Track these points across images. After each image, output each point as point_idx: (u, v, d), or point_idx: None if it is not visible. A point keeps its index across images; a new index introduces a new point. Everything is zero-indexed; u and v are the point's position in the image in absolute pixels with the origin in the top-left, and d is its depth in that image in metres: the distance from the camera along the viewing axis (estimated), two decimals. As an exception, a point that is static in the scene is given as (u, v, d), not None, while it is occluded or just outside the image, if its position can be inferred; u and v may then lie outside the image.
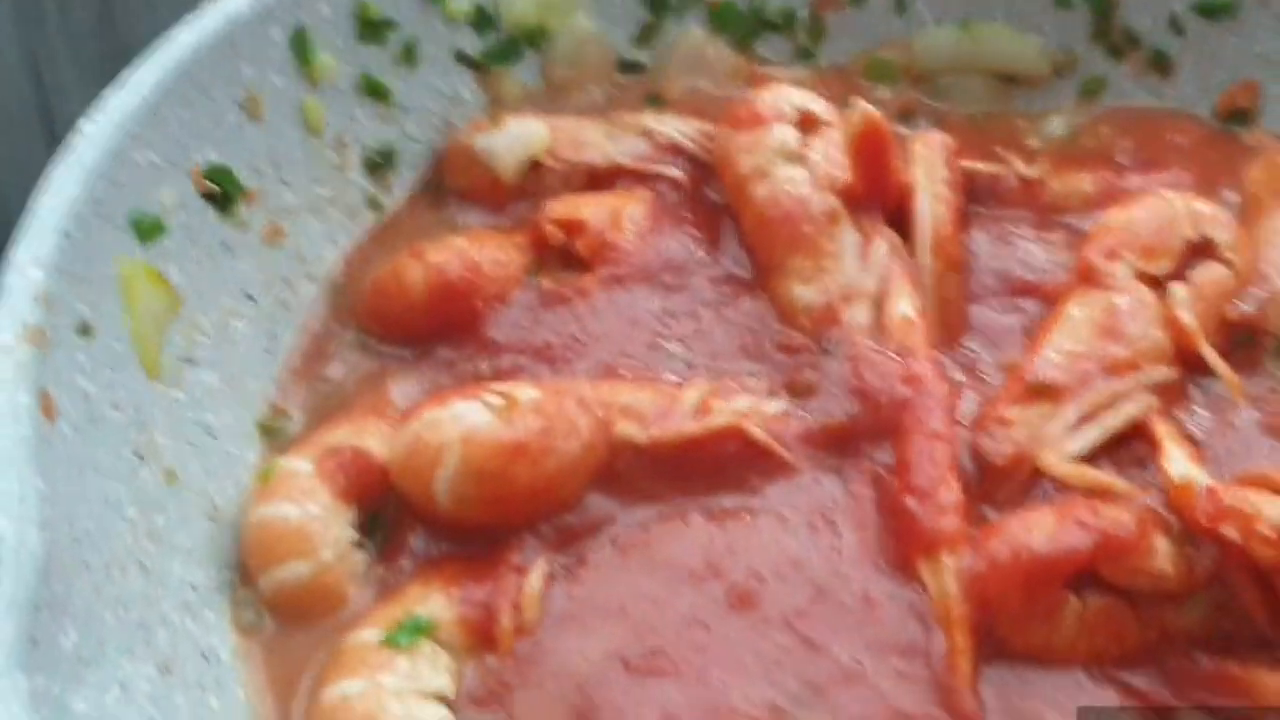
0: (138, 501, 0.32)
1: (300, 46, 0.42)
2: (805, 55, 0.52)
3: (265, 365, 0.40)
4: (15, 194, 0.73)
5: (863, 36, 0.52)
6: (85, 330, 0.32)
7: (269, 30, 0.41)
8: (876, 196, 0.43)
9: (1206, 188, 0.45)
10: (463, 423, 0.35)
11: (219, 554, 0.34)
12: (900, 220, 0.43)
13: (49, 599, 0.25)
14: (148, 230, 0.36)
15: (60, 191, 0.33)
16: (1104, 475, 0.36)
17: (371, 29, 0.44)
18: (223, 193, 0.39)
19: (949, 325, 0.42)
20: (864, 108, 0.42)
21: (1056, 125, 0.51)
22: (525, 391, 0.37)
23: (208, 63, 0.39)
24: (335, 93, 0.43)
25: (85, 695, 0.26)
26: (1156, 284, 0.41)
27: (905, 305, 0.40)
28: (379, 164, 0.45)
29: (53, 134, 0.77)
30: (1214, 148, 0.49)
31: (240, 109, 0.40)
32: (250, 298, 0.40)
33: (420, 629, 0.33)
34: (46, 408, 0.29)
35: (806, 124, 0.45)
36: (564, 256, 0.43)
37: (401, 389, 0.39)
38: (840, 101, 0.51)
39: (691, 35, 0.51)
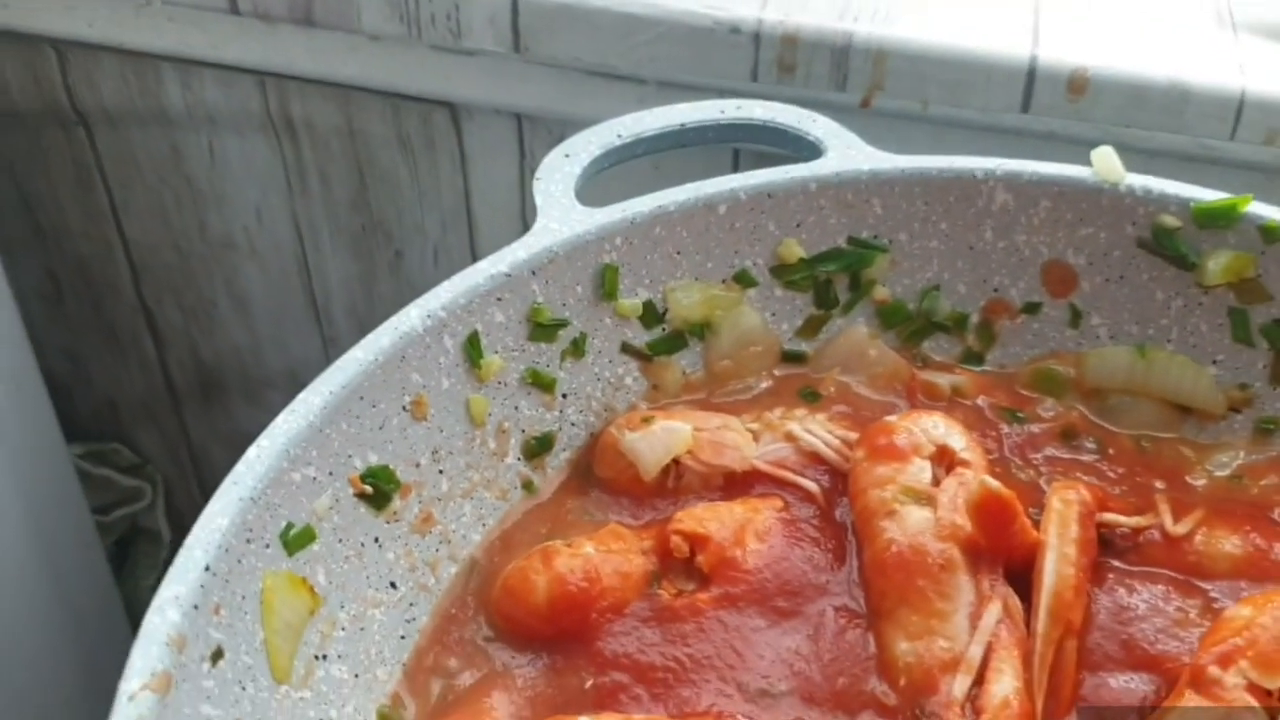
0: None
1: (471, 350, 0.45)
2: (972, 358, 0.53)
3: (397, 652, 0.43)
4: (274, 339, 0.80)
5: (1033, 345, 0.53)
6: (217, 656, 0.36)
7: (442, 340, 0.44)
8: (1000, 553, 0.44)
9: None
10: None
11: None
12: (1025, 573, 0.44)
13: None
14: (296, 542, 0.40)
15: (211, 524, 0.37)
16: None
17: (542, 330, 0.47)
18: (378, 491, 0.43)
19: (1058, 695, 0.42)
20: (985, 482, 0.43)
21: (1224, 461, 0.50)
22: (626, 722, 0.39)
23: (378, 378, 0.42)
24: (501, 388, 0.47)
25: None
26: (1269, 699, 0.40)
27: (1006, 685, 0.41)
28: (536, 449, 0.48)
29: (310, 289, 0.84)
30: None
31: (404, 412, 0.44)
32: (393, 586, 0.43)
33: None
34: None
35: (943, 457, 0.46)
36: (687, 566, 0.45)
37: (509, 697, 0.42)
38: (999, 412, 0.51)
39: (856, 332, 0.52)
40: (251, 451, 0.39)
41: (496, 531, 0.47)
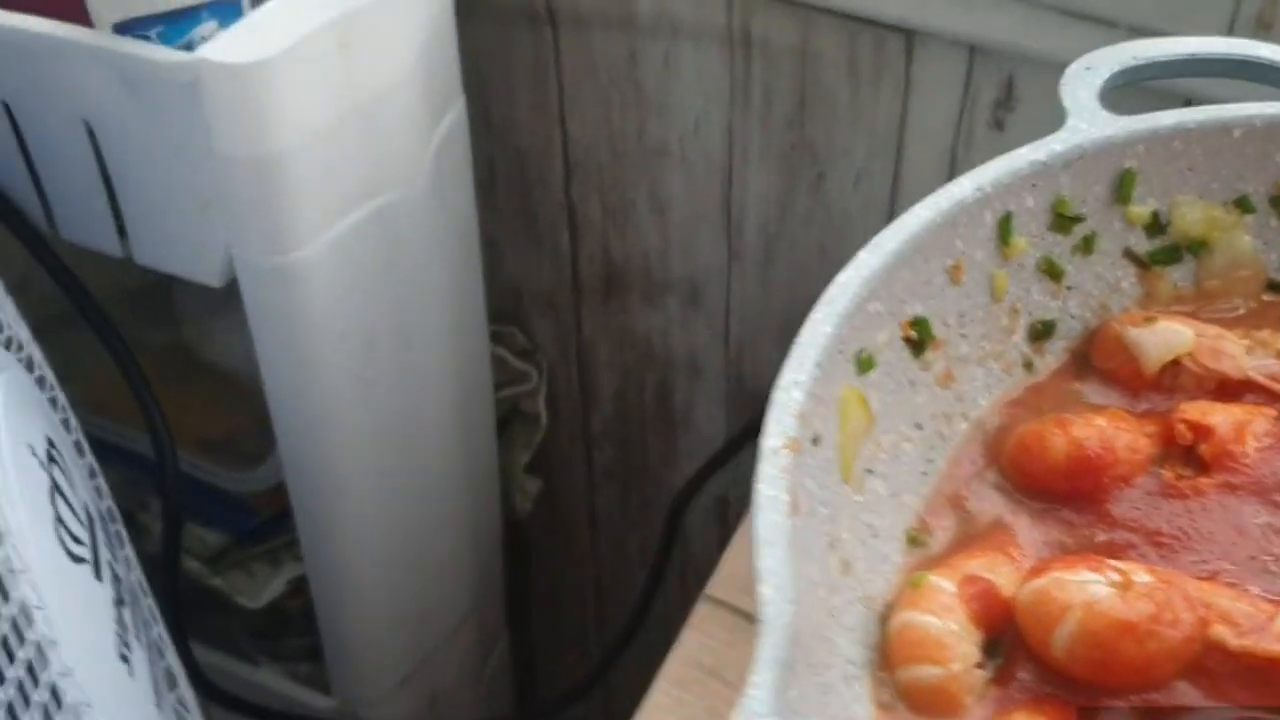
0: (826, 583, 0.41)
1: (1004, 229, 0.50)
2: None
3: (919, 485, 0.48)
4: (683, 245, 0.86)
5: None
6: (816, 441, 0.42)
7: (984, 213, 0.49)
8: None
9: None
10: (1086, 591, 0.42)
11: (868, 637, 0.43)
12: None
13: (789, 660, 0.34)
14: (865, 364, 0.45)
15: (818, 329, 0.43)
16: None
17: (1062, 221, 0.51)
18: (919, 339, 0.48)
19: None
20: None
21: None
22: (1140, 575, 0.43)
23: (933, 235, 0.47)
24: (1019, 269, 0.51)
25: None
26: None
27: None
28: (1040, 333, 0.52)
29: (728, 201, 0.90)
30: None
31: (945, 274, 0.49)
32: (918, 426, 0.48)
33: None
34: (793, 503, 0.39)
35: None
36: (1186, 455, 0.49)
37: (1028, 536, 0.47)
38: None
39: (1345, 270, 0.55)
40: (842, 276, 0.45)
41: (1002, 399, 0.51)
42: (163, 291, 1.02)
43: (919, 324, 0.48)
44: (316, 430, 0.82)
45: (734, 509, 1.13)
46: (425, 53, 0.74)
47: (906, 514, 0.47)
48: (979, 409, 0.51)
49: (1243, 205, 0.54)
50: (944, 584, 0.44)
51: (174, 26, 0.63)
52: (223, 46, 0.63)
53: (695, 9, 0.81)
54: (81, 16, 0.65)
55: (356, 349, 0.79)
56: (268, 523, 0.99)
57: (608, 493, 1.19)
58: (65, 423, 0.66)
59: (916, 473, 0.48)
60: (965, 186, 0.48)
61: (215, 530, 0.98)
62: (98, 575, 0.62)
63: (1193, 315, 0.54)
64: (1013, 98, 0.75)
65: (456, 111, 0.81)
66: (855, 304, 0.44)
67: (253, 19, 0.65)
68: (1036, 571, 0.44)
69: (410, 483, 0.91)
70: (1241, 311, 0.55)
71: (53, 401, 0.65)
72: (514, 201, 0.99)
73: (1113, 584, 0.42)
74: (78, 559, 0.60)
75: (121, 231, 0.75)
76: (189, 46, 0.64)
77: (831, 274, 0.89)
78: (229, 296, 1.09)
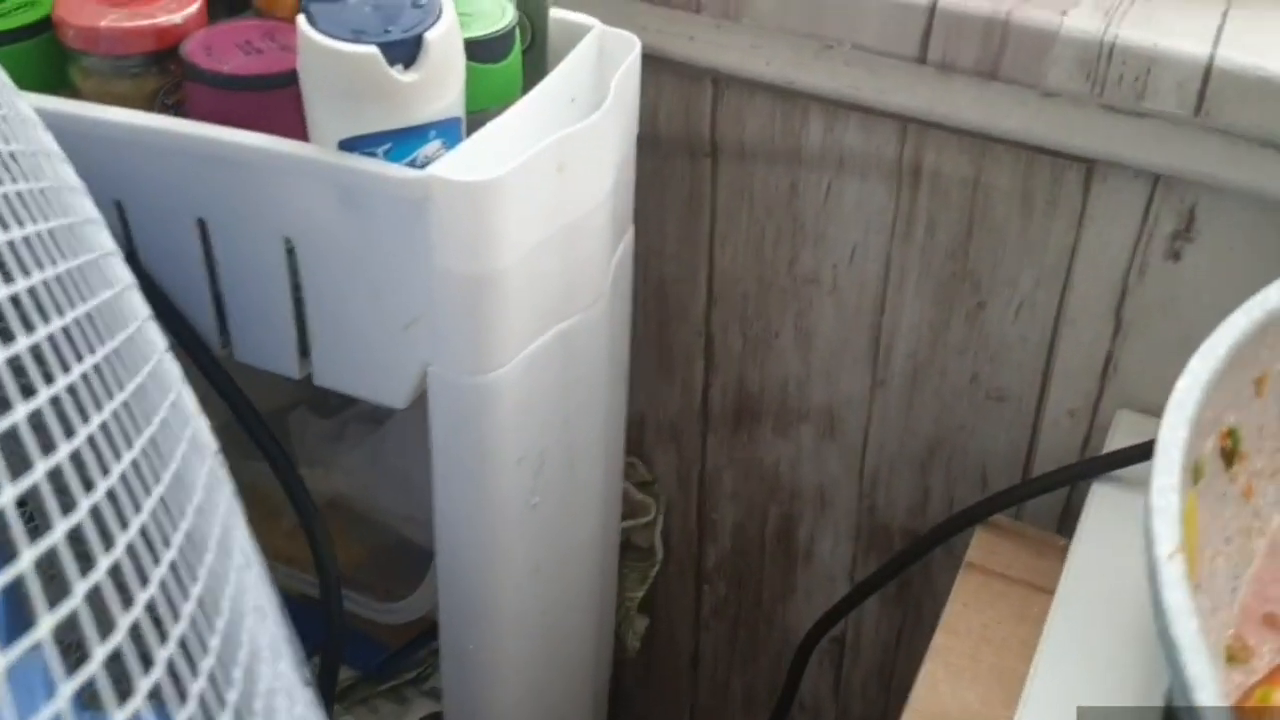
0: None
1: (1301, 342, 0.50)
2: None
3: (1229, 602, 0.47)
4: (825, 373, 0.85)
5: None
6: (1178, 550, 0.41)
7: (1285, 326, 0.49)
8: None
9: None
10: None
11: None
12: None
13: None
14: (1198, 472, 0.45)
15: (1176, 433, 0.42)
16: None
17: (1349, 337, 0.52)
18: (1231, 450, 0.47)
19: None
20: None
21: None
22: None
23: (1248, 346, 0.47)
24: (1310, 383, 0.51)
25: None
26: None
27: None
28: (1323, 448, 0.52)
29: (878, 329, 0.90)
30: None
31: (1252, 385, 0.49)
32: (1227, 541, 0.48)
33: None
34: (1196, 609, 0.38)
35: None
36: None
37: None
38: None
39: None
40: (1182, 383, 0.44)
41: (1290, 514, 0.51)
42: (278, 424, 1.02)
43: (1233, 434, 0.48)
44: (479, 556, 0.80)
45: (849, 653, 1.11)
46: (618, 177, 0.75)
47: (1225, 630, 0.46)
48: (1273, 525, 0.50)
49: None
50: (1294, 699, 0.43)
51: (403, 145, 0.64)
52: (453, 164, 0.63)
53: (866, 139, 0.82)
54: (296, 133, 0.66)
55: (528, 472, 0.78)
56: (394, 657, 0.97)
57: (715, 632, 1.17)
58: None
59: (1228, 589, 0.47)
60: (1275, 296, 0.49)
61: (344, 666, 0.95)
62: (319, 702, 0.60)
63: None
64: (1193, 228, 0.76)
65: (628, 238, 0.82)
66: (1198, 410, 0.44)
67: (479, 139, 0.65)
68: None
69: (551, 616, 0.89)
70: None
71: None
72: (651, 330, 0.99)
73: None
74: (307, 682, 0.58)
75: (303, 352, 0.75)
76: (414, 164, 0.64)
77: (983, 403, 0.89)
78: (344, 429, 1.09)
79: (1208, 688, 0.35)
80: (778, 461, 1.02)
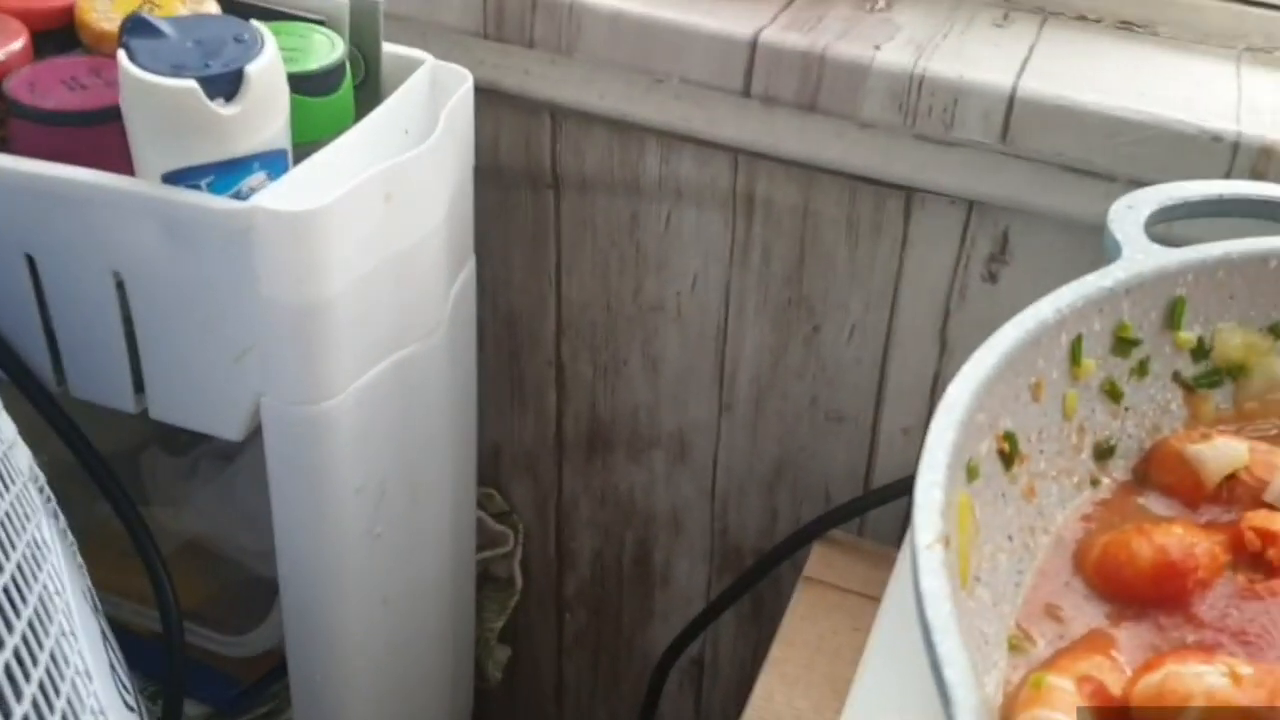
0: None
1: (1075, 350, 0.53)
2: None
3: (1014, 595, 0.49)
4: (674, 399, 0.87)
5: None
6: (945, 542, 0.43)
7: (1060, 335, 0.52)
8: None
9: None
10: (1204, 681, 0.43)
11: (999, 732, 0.44)
12: None
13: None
14: (972, 472, 0.47)
15: (944, 434, 0.44)
16: None
17: (1123, 345, 0.55)
18: (1009, 452, 0.50)
19: None
20: None
21: None
22: (1243, 668, 0.45)
23: (1022, 354, 0.50)
24: (1086, 389, 0.54)
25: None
26: None
27: None
28: (1103, 451, 0.55)
29: (722, 355, 0.92)
30: None
31: (1029, 391, 0.51)
32: (1010, 538, 0.50)
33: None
34: (954, 594, 0.40)
35: None
36: (1254, 560, 0.51)
37: (1123, 639, 0.48)
38: None
39: (1373, 394, 0.59)
40: (953, 387, 0.47)
41: (1075, 514, 0.54)
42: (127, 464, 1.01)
43: (1009, 437, 0.50)
44: (323, 587, 0.80)
45: (708, 672, 1.12)
46: (451, 208, 0.76)
47: (1007, 622, 0.49)
48: (1056, 523, 0.53)
49: (1275, 331, 0.58)
50: (1063, 683, 0.45)
51: (226, 177, 0.64)
52: (277, 195, 0.64)
53: (700, 170, 0.85)
54: (120, 167, 0.66)
55: (368, 502, 0.79)
56: (248, 692, 0.96)
57: (578, 660, 1.18)
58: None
59: (1010, 584, 0.50)
60: (1045, 309, 0.51)
61: (196, 701, 0.94)
62: (142, 727, 0.60)
63: (1235, 435, 0.57)
64: (1007, 251, 0.80)
65: (468, 269, 0.83)
66: (968, 413, 0.46)
67: (303, 170, 0.66)
68: (1149, 667, 0.46)
69: (402, 647, 0.89)
70: (1275, 432, 0.58)
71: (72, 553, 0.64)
72: (501, 361, 1.00)
73: (1224, 675, 0.44)
74: (130, 708, 0.58)
75: (138, 387, 0.75)
76: (238, 196, 0.65)
77: (823, 424, 0.91)
78: (196, 466, 1.08)
79: (955, 665, 0.37)
80: (632, 488, 1.03)
